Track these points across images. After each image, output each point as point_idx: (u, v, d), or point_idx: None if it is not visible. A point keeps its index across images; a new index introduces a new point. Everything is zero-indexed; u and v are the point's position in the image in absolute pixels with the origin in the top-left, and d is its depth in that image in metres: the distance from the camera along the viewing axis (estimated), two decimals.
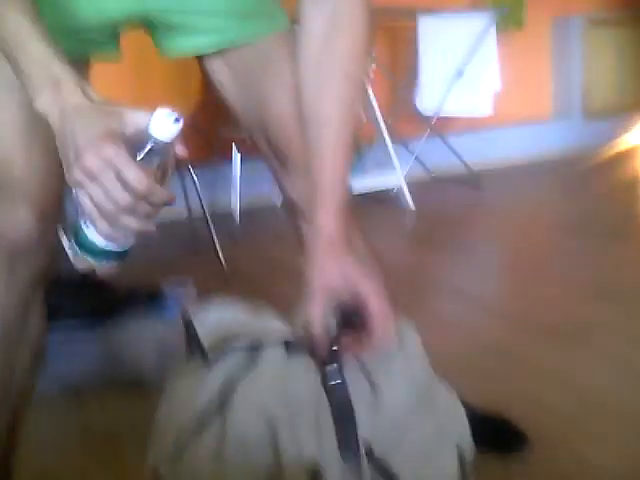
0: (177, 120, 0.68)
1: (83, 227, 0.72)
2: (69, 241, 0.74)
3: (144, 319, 1.65)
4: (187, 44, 1.00)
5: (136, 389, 1.54)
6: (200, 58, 1.05)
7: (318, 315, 0.76)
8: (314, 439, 0.69)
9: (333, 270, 0.79)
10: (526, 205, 3.18)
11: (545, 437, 1.28)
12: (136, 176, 0.65)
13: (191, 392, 0.72)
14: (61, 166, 0.90)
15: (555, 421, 1.35)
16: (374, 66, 3.10)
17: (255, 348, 0.73)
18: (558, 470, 1.20)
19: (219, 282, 2.15)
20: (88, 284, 1.72)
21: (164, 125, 0.67)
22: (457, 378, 0.85)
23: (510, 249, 2.60)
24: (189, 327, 0.82)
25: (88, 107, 0.70)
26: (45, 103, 0.71)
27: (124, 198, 0.66)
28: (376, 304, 0.78)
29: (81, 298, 1.66)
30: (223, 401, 0.71)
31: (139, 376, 1.55)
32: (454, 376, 0.85)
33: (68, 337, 1.57)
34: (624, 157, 3.93)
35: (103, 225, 0.68)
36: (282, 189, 1.11)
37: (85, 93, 0.71)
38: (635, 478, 1.17)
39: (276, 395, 0.70)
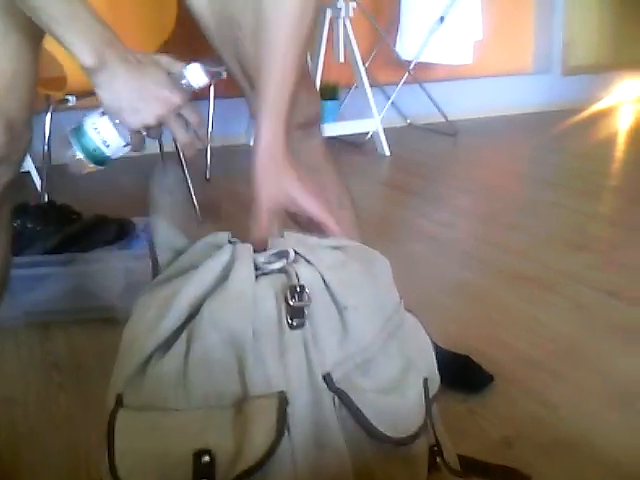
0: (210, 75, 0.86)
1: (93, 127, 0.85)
2: (73, 141, 0.86)
3: (113, 250, 1.63)
4: None
5: (104, 321, 1.54)
6: None
7: (263, 223, 0.84)
8: (279, 365, 0.69)
9: (271, 185, 0.85)
10: (501, 157, 3.18)
11: (508, 377, 1.30)
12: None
13: (157, 311, 0.71)
14: (30, 76, 0.88)
15: (519, 362, 1.37)
16: (355, 4, 3.04)
17: (224, 273, 0.72)
18: (519, 409, 1.22)
19: (190, 220, 2.13)
20: (57, 213, 1.69)
21: (198, 74, 0.86)
22: (424, 318, 0.86)
23: (483, 198, 2.61)
24: (154, 255, 0.81)
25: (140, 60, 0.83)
26: (98, 57, 0.79)
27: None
28: (314, 211, 0.85)
29: (50, 226, 1.63)
30: (189, 320, 0.70)
31: (107, 309, 1.54)
32: (421, 316, 0.86)
33: (36, 270, 1.55)
34: (601, 115, 3.95)
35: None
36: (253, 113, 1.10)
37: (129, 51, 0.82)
38: (591, 416, 1.20)
39: (242, 316, 0.69)
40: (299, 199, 0.85)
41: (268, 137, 0.86)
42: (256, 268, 0.73)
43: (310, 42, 0.91)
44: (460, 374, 1.27)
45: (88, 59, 0.78)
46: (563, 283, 1.75)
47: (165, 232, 0.79)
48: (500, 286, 1.74)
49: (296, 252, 0.76)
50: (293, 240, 0.79)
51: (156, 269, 0.79)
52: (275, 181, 0.85)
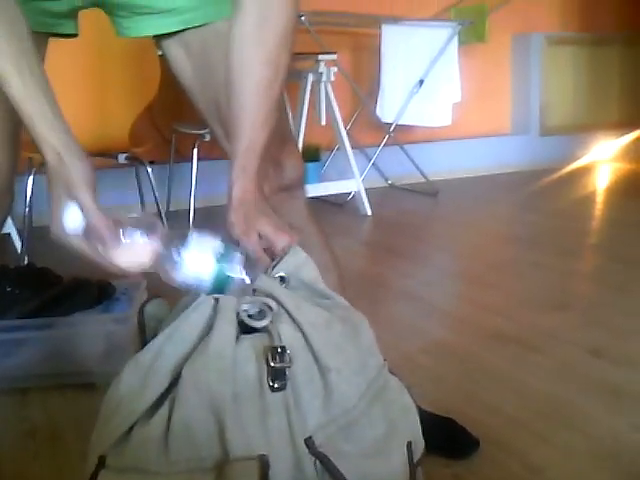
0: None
1: None
2: None
3: (93, 314, 1.61)
4: (146, 24, 0.99)
5: (82, 387, 1.51)
6: (158, 42, 1.04)
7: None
8: (260, 429, 0.68)
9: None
10: (481, 217, 3.22)
11: (492, 439, 1.28)
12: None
13: (141, 376, 0.70)
14: (13, 140, 0.89)
15: (503, 424, 1.35)
16: (336, 69, 3.11)
17: (206, 330, 0.72)
18: (505, 471, 1.20)
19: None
20: (37, 276, 1.67)
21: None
22: (406, 379, 0.85)
23: (463, 258, 2.62)
24: (142, 323, 0.80)
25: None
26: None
27: None
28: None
29: (29, 290, 1.62)
30: (173, 384, 0.69)
31: (86, 373, 1.51)
32: (403, 377, 0.85)
33: (14, 334, 1.52)
34: (578, 174, 4.03)
35: None
36: None
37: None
38: (578, 477, 1.18)
39: (222, 378, 0.68)
40: (270, 235, 0.87)
41: (239, 194, 0.89)
42: (238, 318, 0.73)
43: (279, 105, 0.95)
44: (445, 438, 1.25)
45: (47, 155, 0.82)
46: (545, 342, 1.75)
47: (153, 303, 0.80)
48: (482, 346, 1.74)
49: (281, 304, 0.75)
50: (280, 280, 0.80)
51: (143, 335, 0.79)
52: (247, 228, 0.87)
